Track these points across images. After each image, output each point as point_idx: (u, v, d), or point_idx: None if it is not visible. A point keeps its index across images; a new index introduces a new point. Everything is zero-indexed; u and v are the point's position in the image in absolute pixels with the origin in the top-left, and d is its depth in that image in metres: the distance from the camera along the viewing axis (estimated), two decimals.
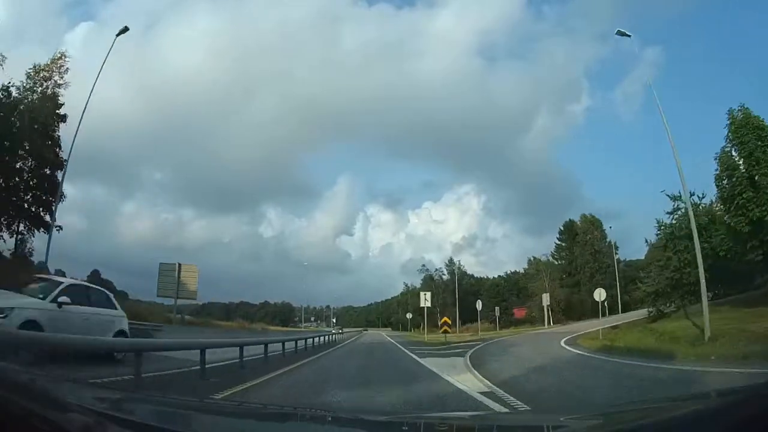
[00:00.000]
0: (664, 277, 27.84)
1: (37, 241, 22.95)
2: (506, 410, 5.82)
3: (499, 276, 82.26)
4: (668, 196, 26.42)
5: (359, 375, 11.20)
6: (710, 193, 25.36)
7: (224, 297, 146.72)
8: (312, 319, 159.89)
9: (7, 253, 22.22)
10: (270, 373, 10.12)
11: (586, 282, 56.46)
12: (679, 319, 23.64)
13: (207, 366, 8.88)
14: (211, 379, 8.43)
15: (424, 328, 47.08)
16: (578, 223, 65.85)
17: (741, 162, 20.71)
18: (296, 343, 18.29)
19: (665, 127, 18.08)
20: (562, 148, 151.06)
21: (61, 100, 23.56)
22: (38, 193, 23.04)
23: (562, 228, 68.04)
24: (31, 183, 23.12)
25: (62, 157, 22.07)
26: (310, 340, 21.30)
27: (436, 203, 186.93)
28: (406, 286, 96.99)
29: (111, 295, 11.19)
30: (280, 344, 15.52)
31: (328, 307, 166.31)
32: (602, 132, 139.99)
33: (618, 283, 42.90)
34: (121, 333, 10.26)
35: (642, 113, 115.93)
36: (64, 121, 23.30)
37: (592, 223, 63.64)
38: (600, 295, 26.32)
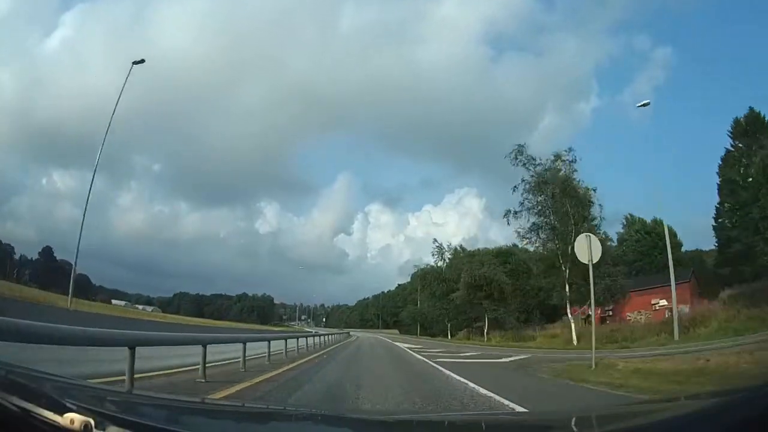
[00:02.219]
0: None
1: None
2: (507, 410, 5.82)
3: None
4: None
5: None
6: None
7: (204, 289, 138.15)
8: (303, 317, 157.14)
9: None
10: None
11: None
12: None
13: None
14: None
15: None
16: None
17: None
18: None
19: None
20: (567, 148, 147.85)
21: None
22: None
23: (732, 129, 35.20)
24: None
25: None
26: None
27: (437, 206, 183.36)
28: (440, 248, 53.01)
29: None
30: None
31: (323, 305, 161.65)
32: (609, 132, 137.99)
33: None
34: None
35: (651, 114, 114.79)
36: None
37: None
38: None
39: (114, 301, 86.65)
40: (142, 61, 22.65)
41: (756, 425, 0.89)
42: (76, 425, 1.00)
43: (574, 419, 1.92)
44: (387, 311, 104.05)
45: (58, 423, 1.01)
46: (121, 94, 22.19)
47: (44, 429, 1.01)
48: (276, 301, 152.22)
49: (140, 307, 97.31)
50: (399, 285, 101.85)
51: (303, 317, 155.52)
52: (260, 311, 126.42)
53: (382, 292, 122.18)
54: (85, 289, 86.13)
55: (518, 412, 5.60)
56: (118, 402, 1.56)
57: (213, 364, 9.23)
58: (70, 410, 1.03)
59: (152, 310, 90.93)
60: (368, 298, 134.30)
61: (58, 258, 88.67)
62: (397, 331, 79.11)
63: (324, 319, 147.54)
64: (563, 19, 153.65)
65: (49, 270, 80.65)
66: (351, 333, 57.04)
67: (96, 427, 1.02)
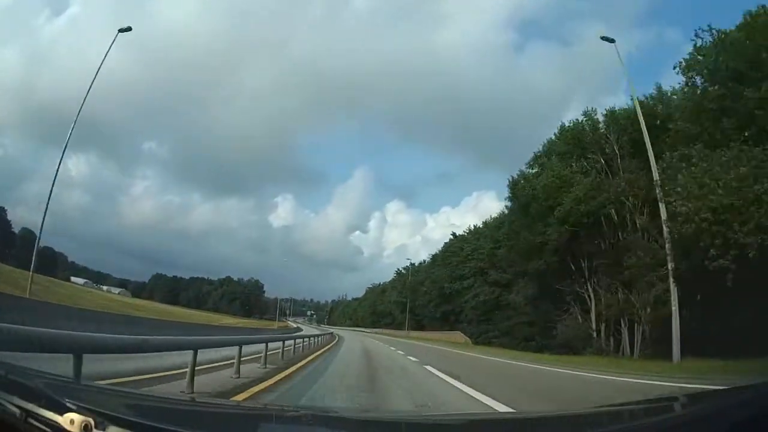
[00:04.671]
0: None
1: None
2: (506, 411, 5.81)
3: None
4: None
5: None
6: None
7: (188, 272, 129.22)
8: (309, 313, 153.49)
9: None
10: None
11: None
12: None
13: None
14: None
15: None
16: None
17: None
18: None
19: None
20: None
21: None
22: None
23: None
24: None
25: None
26: None
27: (454, 208, 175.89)
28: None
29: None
30: None
31: (333, 301, 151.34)
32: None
33: None
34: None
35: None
36: None
37: None
38: None
39: (73, 279, 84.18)
40: (129, 29, 21.43)
41: (756, 425, 0.89)
42: (76, 425, 1.00)
43: (573, 419, 1.92)
44: (420, 301, 55.90)
45: (58, 423, 1.01)
46: (102, 62, 20.60)
47: (44, 429, 1.01)
48: (282, 297, 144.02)
49: (105, 288, 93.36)
50: (455, 236, 53.47)
51: (310, 312, 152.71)
52: (246, 300, 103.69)
53: (412, 264, 70.50)
54: (52, 264, 79.93)
55: (516, 411, 5.59)
56: (117, 402, 1.56)
57: None
58: (70, 410, 1.03)
59: (119, 293, 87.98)
60: (384, 284, 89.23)
61: (16, 228, 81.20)
62: (462, 337, 37.45)
63: (327, 316, 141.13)
64: (593, 6, 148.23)
65: (3, 237, 73.14)
66: (337, 336, 33.91)
67: (96, 427, 1.02)
